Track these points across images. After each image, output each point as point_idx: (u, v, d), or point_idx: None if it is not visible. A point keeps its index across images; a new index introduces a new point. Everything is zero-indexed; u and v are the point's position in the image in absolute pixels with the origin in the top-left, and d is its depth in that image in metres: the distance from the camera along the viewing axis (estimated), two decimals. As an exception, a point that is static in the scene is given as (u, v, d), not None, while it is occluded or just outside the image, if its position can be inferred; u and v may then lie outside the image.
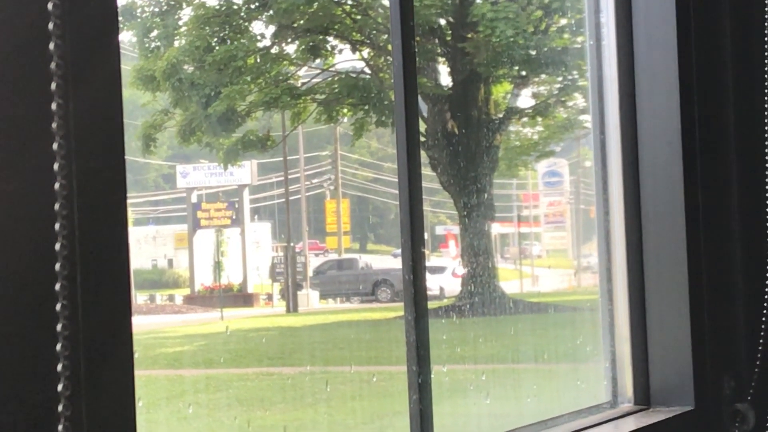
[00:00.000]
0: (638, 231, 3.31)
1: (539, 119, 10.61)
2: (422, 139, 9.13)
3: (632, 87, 3.33)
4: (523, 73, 10.20)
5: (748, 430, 3.31)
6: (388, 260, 10.96)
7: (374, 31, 9.49)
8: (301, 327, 9.11)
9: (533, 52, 9.97)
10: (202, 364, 7.23)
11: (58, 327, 1.46)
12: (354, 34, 9.42)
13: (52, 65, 1.47)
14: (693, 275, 3.24)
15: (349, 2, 9.44)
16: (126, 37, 8.52)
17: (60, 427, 1.46)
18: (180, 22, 8.73)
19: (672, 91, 3.26)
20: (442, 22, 9.78)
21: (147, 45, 8.45)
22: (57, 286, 1.47)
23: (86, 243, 1.51)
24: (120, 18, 1.61)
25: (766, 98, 3.36)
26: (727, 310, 3.40)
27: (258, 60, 8.90)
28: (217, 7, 8.77)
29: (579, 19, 8.83)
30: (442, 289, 9.86)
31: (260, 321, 8.92)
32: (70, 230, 1.48)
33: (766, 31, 3.36)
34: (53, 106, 1.47)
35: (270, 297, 9.41)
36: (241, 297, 9.01)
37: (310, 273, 9.77)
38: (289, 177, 9.72)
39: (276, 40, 9.07)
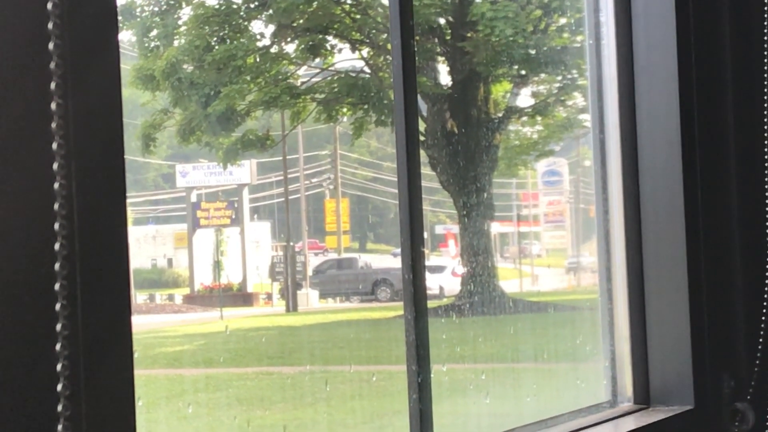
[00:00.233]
0: (638, 230, 3.31)
1: (539, 118, 10.61)
2: (422, 138, 9.13)
3: (632, 86, 3.33)
4: (523, 72, 10.20)
5: (748, 429, 3.32)
6: (387, 259, 10.96)
7: (374, 31, 9.49)
8: (300, 326, 9.11)
9: (533, 52, 9.98)
10: (201, 363, 7.23)
11: (58, 327, 1.46)
12: (353, 33, 9.41)
13: (52, 65, 1.47)
14: (692, 274, 3.24)
15: (349, 1, 9.44)
16: (125, 37, 8.52)
17: (59, 427, 1.46)
18: (179, 22, 8.73)
19: (671, 90, 3.27)
20: (442, 21, 9.78)
21: (146, 44, 8.45)
22: (56, 286, 1.47)
23: (86, 242, 1.51)
24: (119, 17, 1.61)
25: (765, 97, 3.36)
26: (726, 309, 3.40)
27: (257, 59, 8.90)
28: (217, 7, 8.77)
29: (578, 19, 8.83)
30: (441, 288, 9.86)
31: (260, 320, 8.92)
32: (70, 230, 1.48)
33: (765, 30, 3.36)
34: (53, 105, 1.47)
35: (270, 296, 9.41)
36: (241, 296, 9.01)
37: (309, 272, 9.77)
38: (289, 176, 9.72)
39: (275, 40, 9.07)
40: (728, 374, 3.34)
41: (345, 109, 9.42)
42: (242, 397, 6.60)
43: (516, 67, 10.02)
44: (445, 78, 9.87)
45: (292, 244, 9.59)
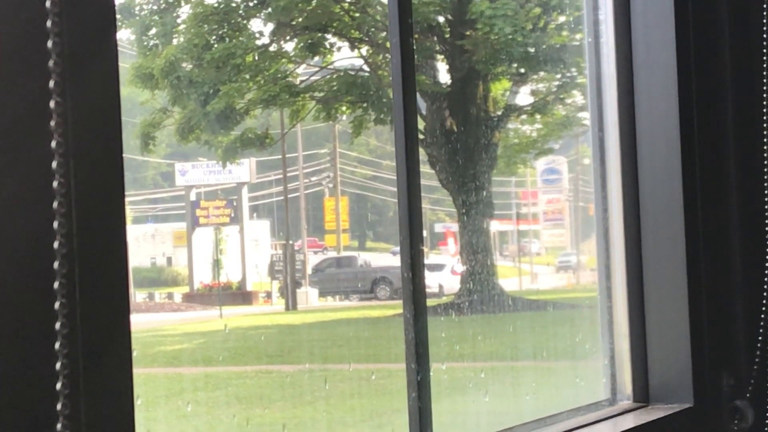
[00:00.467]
0: (637, 228, 3.31)
1: (538, 117, 10.61)
2: (421, 136, 9.12)
3: (631, 84, 3.33)
4: (522, 70, 10.20)
5: (747, 427, 3.32)
6: (387, 258, 10.95)
7: (373, 29, 9.48)
8: (300, 325, 9.11)
9: (532, 50, 9.97)
10: (201, 362, 7.23)
11: (57, 325, 1.46)
12: (352, 31, 9.41)
13: (50, 63, 1.47)
14: (692, 272, 3.24)
15: (348, 0, 9.44)
16: (124, 35, 8.52)
17: (58, 426, 1.46)
18: (178, 20, 8.72)
19: (670, 88, 3.26)
20: (441, 19, 9.78)
21: (145, 43, 8.44)
22: (55, 285, 1.47)
23: (84, 241, 1.50)
24: (118, 16, 1.61)
25: (764, 94, 3.36)
26: (725, 307, 3.40)
27: (256, 58, 8.89)
28: (216, 5, 8.76)
29: (577, 17, 8.83)
30: (441, 286, 9.86)
31: (259, 319, 8.92)
32: (69, 228, 1.48)
33: (764, 27, 3.35)
34: (51, 103, 1.47)
35: (269, 295, 9.41)
36: (240, 295, 9.00)
37: (309, 271, 9.76)
38: (288, 175, 9.72)
39: (274, 38, 9.07)
40: (727, 372, 3.34)
41: (344, 108, 9.42)
42: (241, 395, 6.60)
43: (515, 65, 10.02)
44: (444, 76, 9.87)
45: (291, 242, 9.59)
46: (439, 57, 9.82)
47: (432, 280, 9.57)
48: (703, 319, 3.25)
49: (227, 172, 8.78)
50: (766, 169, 3.37)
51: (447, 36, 9.73)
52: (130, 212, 8.92)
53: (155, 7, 8.63)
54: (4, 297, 1.43)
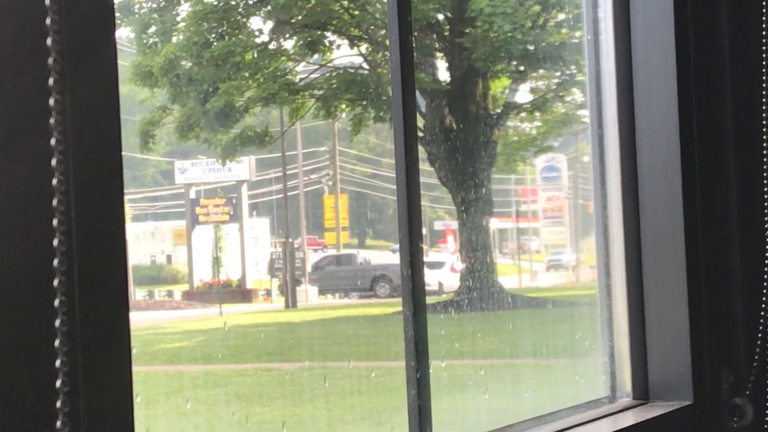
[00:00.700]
0: (636, 225, 3.31)
1: (537, 114, 10.61)
2: (420, 134, 9.14)
3: (630, 82, 3.33)
4: (521, 68, 10.20)
5: (747, 425, 3.32)
6: (386, 256, 10.96)
7: (372, 27, 9.48)
8: (299, 322, 9.11)
9: (531, 47, 9.97)
10: (200, 359, 7.23)
11: (56, 323, 1.46)
12: (352, 29, 9.41)
13: (50, 60, 1.47)
14: (691, 269, 3.24)
15: (347, -3, 9.44)
16: (124, 33, 8.52)
17: (58, 423, 1.46)
18: (178, 18, 8.72)
19: (670, 86, 3.26)
20: (440, 17, 9.78)
21: (145, 41, 8.44)
22: (55, 282, 1.47)
23: (84, 239, 1.51)
24: (118, 14, 1.61)
25: (764, 92, 3.36)
26: (725, 304, 3.40)
27: (256, 56, 8.89)
28: (215, 3, 8.76)
29: (577, 14, 8.83)
30: (440, 284, 9.86)
31: (259, 317, 8.92)
32: (68, 226, 1.48)
33: (764, 25, 3.36)
34: (50, 101, 1.47)
35: (269, 292, 9.41)
36: (240, 293, 9.01)
37: (308, 268, 9.77)
38: (288, 173, 9.72)
39: (274, 36, 9.07)
40: (727, 369, 3.34)
41: (343, 105, 9.42)
42: (241, 393, 6.60)
43: (514, 62, 10.02)
44: (443, 74, 9.87)
45: (291, 240, 9.59)
46: (439, 54, 9.82)
47: (432, 278, 9.57)
48: (702, 316, 3.25)
49: (227, 170, 8.78)
50: (765, 166, 3.37)
51: (446, 33, 9.73)
52: (130, 210, 8.92)
53: (155, 5, 8.63)
54: (4, 294, 1.43)
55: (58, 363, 1.46)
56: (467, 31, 9.58)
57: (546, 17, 10.16)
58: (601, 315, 3.37)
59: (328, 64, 9.32)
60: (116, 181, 1.57)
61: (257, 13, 9.07)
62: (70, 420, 1.47)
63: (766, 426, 3.32)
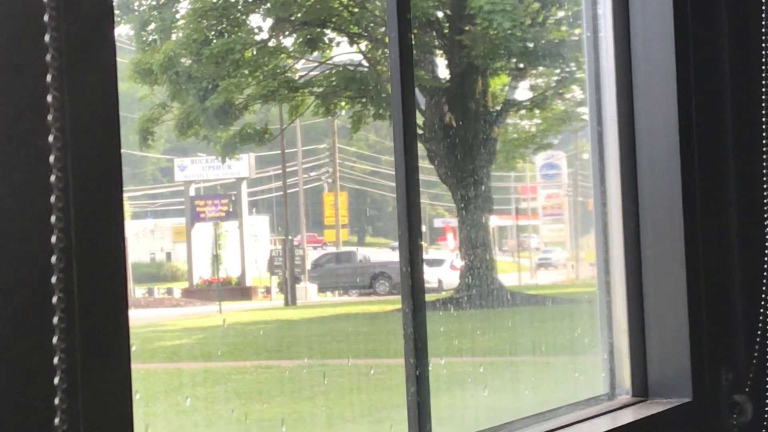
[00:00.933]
0: (636, 223, 3.31)
1: (537, 111, 10.61)
2: (420, 131, 9.14)
3: (629, 79, 3.33)
4: (521, 65, 10.20)
5: (746, 422, 3.32)
6: (386, 253, 10.96)
7: (371, 24, 9.48)
8: (299, 320, 9.12)
9: (531, 45, 9.97)
10: (200, 357, 7.23)
11: (54, 320, 1.46)
12: (351, 26, 9.41)
13: (48, 57, 1.47)
14: (690, 267, 3.24)
15: (347, -5, 9.43)
16: (123, 31, 8.52)
17: (56, 420, 1.46)
18: (177, 15, 8.72)
19: (669, 83, 3.26)
20: (440, 14, 9.78)
21: (144, 38, 8.44)
22: (53, 279, 1.46)
23: (82, 235, 1.50)
24: (117, 12, 1.61)
25: (763, 89, 3.36)
26: (724, 301, 3.40)
27: (255, 53, 8.89)
28: (215, 1, 8.76)
29: (576, 11, 8.82)
30: (440, 281, 9.86)
31: (258, 314, 8.92)
32: (66, 223, 1.48)
33: (763, 22, 3.35)
34: (48, 98, 1.47)
35: (268, 290, 9.41)
36: (239, 290, 9.01)
37: (308, 266, 9.77)
38: (287, 170, 9.72)
39: (273, 33, 9.06)
40: (726, 367, 3.34)
41: (343, 103, 9.42)
42: (240, 390, 6.61)
43: (514, 60, 10.02)
44: (443, 71, 9.87)
45: (290, 237, 9.59)
46: (438, 52, 9.82)
47: (431, 275, 9.57)
48: (701, 313, 3.25)
49: (226, 168, 8.78)
50: (764, 162, 3.37)
51: (446, 31, 9.73)
52: (129, 208, 8.92)
53: (154, 3, 8.62)
54: (2, 291, 1.43)
55: (56, 360, 1.46)
56: (467, 28, 9.58)
57: (545, 14, 10.16)
58: (601, 312, 3.37)
59: (328, 62, 9.32)
60: (115, 178, 1.57)
61: (257, 10, 9.07)
62: (69, 417, 1.46)
63: (765, 423, 3.32)
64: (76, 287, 1.49)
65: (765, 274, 3.34)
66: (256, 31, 8.99)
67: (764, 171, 3.37)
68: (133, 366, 1.59)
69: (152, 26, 8.52)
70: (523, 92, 10.50)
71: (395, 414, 5.64)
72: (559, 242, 12.13)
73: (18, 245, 1.45)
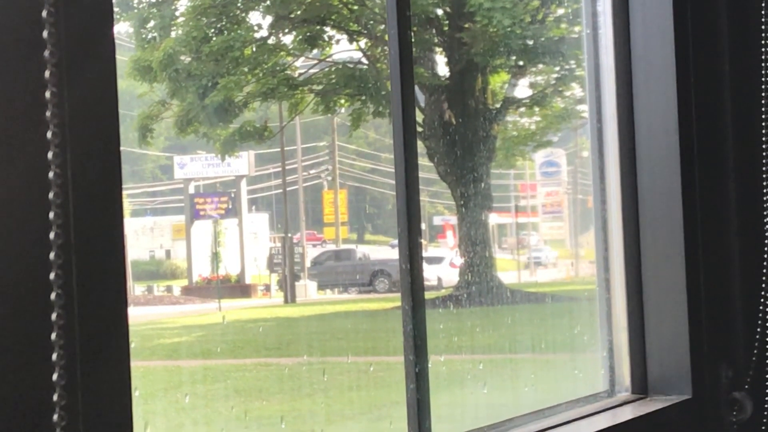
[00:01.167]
0: (635, 220, 3.31)
1: (536, 109, 10.61)
2: (419, 129, 9.13)
3: (629, 76, 3.33)
4: (521, 63, 10.20)
5: (746, 419, 3.32)
6: (385, 250, 10.97)
7: (371, 22, 9.48)
8: (298, 317, 9.12)
9: (530, 42, 9.97)
10: (199, 354, 7.23)
11: (53, 316, 1.46)
12: (351, 24, 9.41)
13: (46, 53, 1.46)
14: (690, 264, 3.24)
15: (346, -8, 9.43)
16: (123, 28, 8.52)
17: (55, 417, 1.45)
18: (177, 13, 8.72)
19: (669, 80, 3.26)
20: (439, 12, 9.78)
21: (144, 35, 8.44)
22: (51, 276, 1.46)
23: (81, 232, 1.50)
24: (117, 9, 1.61)
25: (763, 86, 3.36)
26: (724, 298, 3.39)
27: (255, 50, 8.89)
28: (214, -2, 8.76)
29: (576, 9, 8.82)
30: (439, 279, 9.87)
31: (258, 312, 8.92)
32: (65, 219, 1.47)
33: (763, 19, 3.35)
34: (47, 94, 1.46)
35: (268, 288, 9.42)
36: (239, 288, 9.01)
37: (307, 263, 9.77)
38: (287, 168, 9.72)
39: (273, 31, 9.06)
40: (726, 364, 3.34)
41: (343, 100, 9.42)
42: (240, 388, 6.61)
43: (514, 57, 10.02)
44: (442, 69, 9.87)
45: (290, 235, 9.59)
46: (438, 49, 9.82)
47: (431, 273, 9.58)
48: (701, 310, 3.25)
49: (226, 165, 8.78)
50: (764, 159, 3.37)
51: (445, 28, 9.73)
52: (128, 205, 8.92)
53: (153, 0, 8.62)
54: (0, 288, 1.43)
55: (54, 357, 1.46)
56: (466, 26, 9.58)
57: (545, 12, 10.16)
58: (600, 310, 3.37)
59: (327, 59, 9.32)
60: (114, 175, 1.57)
61: (256, 8, 9.07)
62: (68, 414, 1.46)
63: (765, 420, 3.32)
64: (75, 284, 1.49)
65: (765, 270, 3.34)
66: (256, 28, 9.00)
67: (765, 167, 3.37)
68: (133, 363, 1.58)
69: (152, 23, 8.52)
70: (522, 90, 10.50)
71: (395, 411, 5.64)
72: (558, 240, 12.13)
73: (16, 242, 1.45)
